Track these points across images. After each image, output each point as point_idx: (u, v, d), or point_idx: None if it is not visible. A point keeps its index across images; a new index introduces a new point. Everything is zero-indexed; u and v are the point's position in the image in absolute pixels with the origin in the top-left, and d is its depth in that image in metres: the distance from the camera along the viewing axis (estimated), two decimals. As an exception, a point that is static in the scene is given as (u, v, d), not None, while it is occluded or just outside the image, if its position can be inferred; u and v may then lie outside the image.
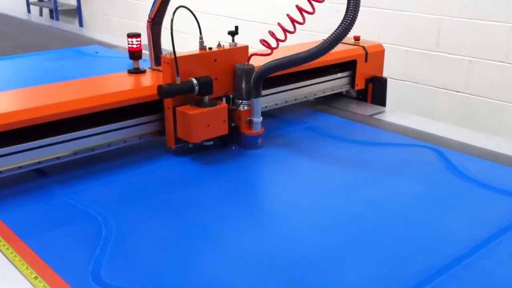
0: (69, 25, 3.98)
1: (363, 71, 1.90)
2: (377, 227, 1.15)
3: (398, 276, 0.99)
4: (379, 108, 1.90)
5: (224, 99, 1.50)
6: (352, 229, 1.15)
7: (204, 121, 1.41)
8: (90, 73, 1.72)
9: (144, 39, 1.65)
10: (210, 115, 1.42)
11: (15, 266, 1.01)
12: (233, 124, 1.51)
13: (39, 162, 1.33)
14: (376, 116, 1.82)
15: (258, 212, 1.26)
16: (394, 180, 1.36)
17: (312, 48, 1.38)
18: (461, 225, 1.16)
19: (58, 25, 3.57)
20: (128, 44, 1.62)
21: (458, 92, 2.48)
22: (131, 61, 1.63)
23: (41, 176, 1.38)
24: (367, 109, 1.88)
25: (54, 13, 5.25)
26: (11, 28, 3.34)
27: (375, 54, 1.93)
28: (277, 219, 1.21)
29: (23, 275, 0.98)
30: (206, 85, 1.42)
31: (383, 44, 1.98)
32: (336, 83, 1.90)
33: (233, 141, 1.54)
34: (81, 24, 5.33)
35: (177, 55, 1.39)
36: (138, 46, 1.63)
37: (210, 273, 1.01)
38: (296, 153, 1.53)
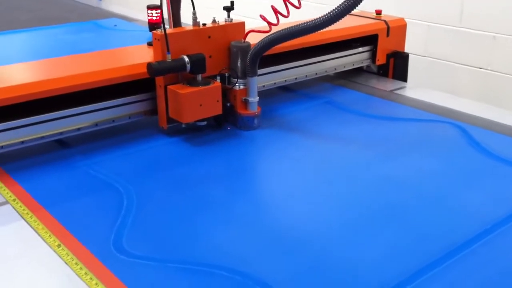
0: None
1: (384, 46, 1.88)
2: (396, 203, 1.15)
3: (416, 253, 0.98)
4: (400, 83, 1.88)
5: (218, 78, 1.45)
6: (369, 206, 1.14)
7: (196, 101, 1.36)
8: (109, 46, 1.72)
9: (165, 13, 1.64)
10: (202, 95, 1.37)
11: (39, 234, 1.02)
12: (228, 104, 1.47)
13: (61, 133, 1.33)
14: (397, 92, 1.80)
15: (270, 188, 1.26)
16: (415, 156, 1.35)
17: (311, 20, 1.30)
18: (482, 202, 1.15)
19: (77, -1, 3.56)
20: (148, 16, 1.62)
21: (481, 68, 2.44)
22: (151, 34, 1.62)
23: (63, 147, 1.39)
24: (388, 84, 1.86)
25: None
26: (30, 2, 3.35)
27: (397, 29, 1.90)
28: (288, 195, 1.20)
29: (46, 243, 1.00)
30: (198, 63, 1.37)
31: (405, 19, 1.95)
32: (357, 57, 1.88)
33: (228, 122, 1.50)
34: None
35: (170, 31, 1.35)
36: (158, 18, 1.62)
37: (225, 244, 1.01)
38: (312, 127, 1.52)
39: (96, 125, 1.38)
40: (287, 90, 1.80)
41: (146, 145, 1.40)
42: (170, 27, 1.67)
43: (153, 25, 1.62)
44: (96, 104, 1.37)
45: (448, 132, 1.47)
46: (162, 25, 1.35)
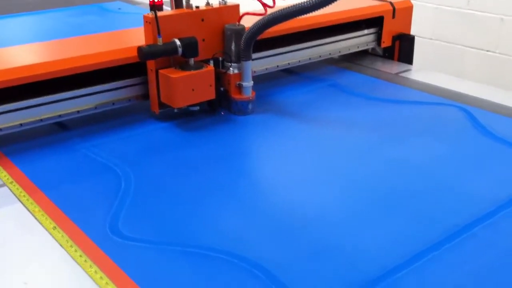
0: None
1: (389, 28, 1.85)
2: (400, 186, 1.13)
3: (417, 236, 0.97)
4: (405, 66, 1.85)
5: (212, 62, 1.42)
6: (373, 189, 1.12)
7: (188, 85, 1.33)
8: (113, 28, 1.70)
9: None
10: (194, 79, 1.34)
11: (35, 217, 1.01)
12: (222, 89, 1.44)
13: (60, 115, 1.32)
14: (402, 74, 1.77)
15: (269, 172, 1.23)
16: (419, 139, 1.33)
17: (308, 1, 1.24)
18: (486, 185, 1.13)
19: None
20: (149, -3, 1.59)
21: (488, 51, 2.40)
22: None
23: (62, 129, 1.38)
24: (393, 67, 1.83)
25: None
26: (35, -15, 3.33)
27: (403, 11, 1.87)
28: (288, 180, 1.18)
29: (42, 225, 0.99)
30: (190, 46, 1.34)
31: (411, 1, 1.91)
32: (361, 40, 1.85)
33: (222, 107, 1.47)
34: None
35: (161, 14, 1.32)
36: (159, 0, 1.60)
37: (223, 227, 1.00)
38: (313, 110, 1.50)
39: (96, 108, 1.37)
40: (291, 73, 1.78)
41: (142, 129, 1.39)
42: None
43: (154, 7, 1.59)
44: (96, 86, 1.35)
45: (453, 115, 1.44)
46: (154, 10, 1.31)
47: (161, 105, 1.39)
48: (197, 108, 1.42)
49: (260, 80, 1.64)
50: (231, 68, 1.44)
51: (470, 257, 0.92)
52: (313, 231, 0.99)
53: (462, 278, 0.87)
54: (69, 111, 1.33)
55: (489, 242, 0.95)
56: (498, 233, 0.98)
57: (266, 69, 1.62)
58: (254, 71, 1.57)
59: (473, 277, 0.88)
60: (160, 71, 1.35)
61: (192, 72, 1.34)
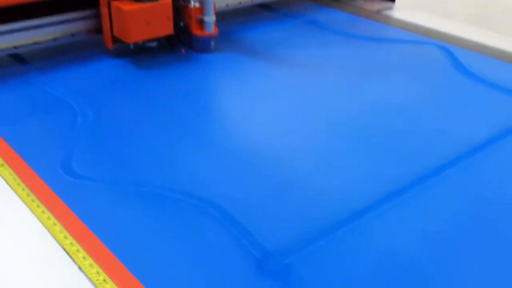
0: None
1: (372, -38, 1.75)
2: (375, 127, 1.07)
3: (390, 177, 0.92)
4: (387, 3, 1.76)
5: None
6: (348, 129, 1.06)
7: (143, 19, 1.23)
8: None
9: None
10: (149, 12, 1.24)
11: (-18, 153, 0.95)
12: (182, 24, 1.34)
13: (15, 47, 1.24)
14: (384, 12, 1.69)
15: (237, 111, 1.16)
16: (397, 77, 1.26)
17: None
18: (464, 125, 1.07)
19: None
20: None
21: (475, -9, 2.31)
22: None
23: (19, 63, 1.29)
24: (375, 5, 1.75)
25: None
26: None
27: None
28: (259, 120, 1.11)
29: (-11, 162, 0.93)
30: None
31: None
32: (342, -26, 1.76)
33: (183, 43, 1.37)
34: None
35: None
36: None
37: (183, 166, 0.94)
38: (287, 48, 1.42)
39: (54, 40, 1.28)
40: (267, 8, 1.69)
41: (102, 65, 1.30)
42: None
43: None
44: (53, 17, 1.26)
45: (434, 54, 1.38)
46: None
47: (115, 39, 1.30)
48: (154, 44, 1.33)
49: (232, 16, 1.56)
50: (191, 1, 1.33)
51: (441, 200, 0.87)
52: (279, 171, 0.94)
53: (430, 222, 0.83)
54: (25, 42, 1.24)
55: (462, 186, 0.91)
56: (471, 176, 0.93)
57: (240, 3, 1.53)
58: (227, 5, 1.49)
59: (442, 221, 0.83)
60: (112, 2, 1.25)
61: (147, 4, 1.24)
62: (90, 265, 0.72)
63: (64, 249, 0.74)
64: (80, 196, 0.86)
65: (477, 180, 0.93)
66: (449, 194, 0.89)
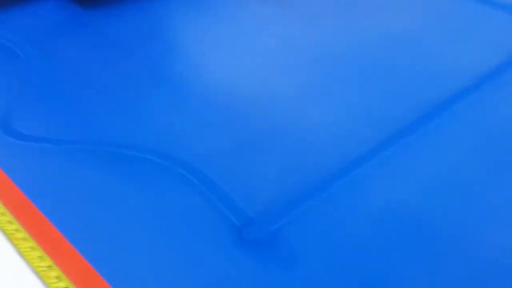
0: None
1: None
2: (370, 59, 0.93)
3: (393, 115, 0.79)
4: None
5: None
6: (339, 65, 0.92)
7: None
8: None
9: None
10: None
11: None
12: None
13: None
14: None
15: (212, 53, 1.00)
16: (393, 3, 1.11)
17: None
18: (469, 54, 0.94)
19: None
20: None
21: None
22: None
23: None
24: None
25: None
26: None
27: None
28: (239, 60, 0.94)
29: None
30: None
31: None
32: None
33: None
34: None
35: None
36: None
37: (146, 119, 0.80)
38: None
39: (-8, -26, 1.10)
40: None
41: (52, 2, 1.12)
42: None
43: None
44: None
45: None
46: None
47: None
48: None
49: None
50: None
51: (449, 141, 0.75)
52: (260, 119, 0.80)
53: (435, 165, 0.71)
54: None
55: (470, 120, 0.79)
56: (478, 110, 0.81)
57: None
58: None
59: (451, 165, 0.71)
60: None
61: None
62: (32, 247, 0.59)
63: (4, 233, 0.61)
64: (23, 160, 0.72)
65: (486, 113, 0.80)
66: (458, 133, 0.76)
